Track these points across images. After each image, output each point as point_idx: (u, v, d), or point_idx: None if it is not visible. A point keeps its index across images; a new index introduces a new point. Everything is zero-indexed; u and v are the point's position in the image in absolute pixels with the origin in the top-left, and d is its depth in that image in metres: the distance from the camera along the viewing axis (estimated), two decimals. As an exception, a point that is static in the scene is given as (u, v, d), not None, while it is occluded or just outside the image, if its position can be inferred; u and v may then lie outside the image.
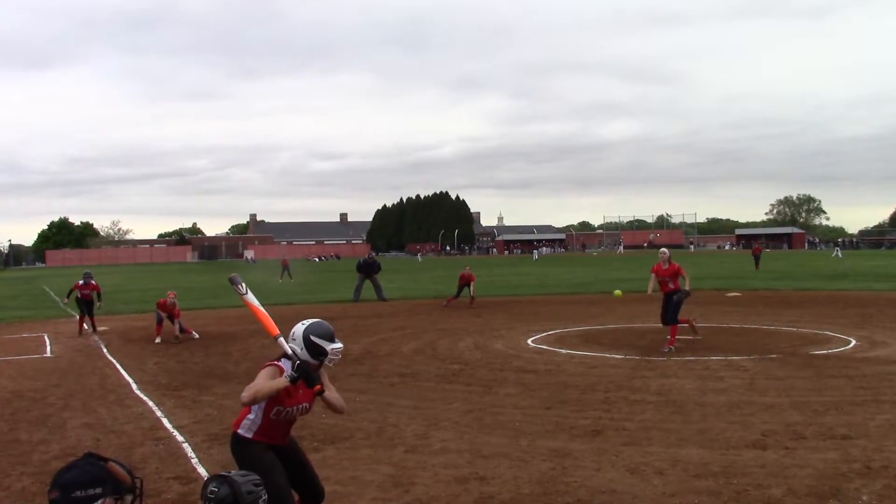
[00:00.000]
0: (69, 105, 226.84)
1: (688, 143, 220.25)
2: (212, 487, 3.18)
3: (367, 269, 27.31)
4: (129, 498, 2.51)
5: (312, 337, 4.67)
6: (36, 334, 17.97)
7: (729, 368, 11.28)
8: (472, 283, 23.88)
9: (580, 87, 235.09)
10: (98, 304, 18.91)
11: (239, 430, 4.60)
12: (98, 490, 2.34)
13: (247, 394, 4.34)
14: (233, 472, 3.30)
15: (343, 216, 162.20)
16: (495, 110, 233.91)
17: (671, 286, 13.32)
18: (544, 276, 41.60)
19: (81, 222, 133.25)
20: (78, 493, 2.31)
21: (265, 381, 4.41)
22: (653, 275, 13.70)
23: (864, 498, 5.71)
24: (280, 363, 4.53)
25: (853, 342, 13.68)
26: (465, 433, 7.91)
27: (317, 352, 4.64)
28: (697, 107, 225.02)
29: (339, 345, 4.76)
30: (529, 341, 14.77)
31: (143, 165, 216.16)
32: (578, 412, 8.71)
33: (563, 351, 13.42)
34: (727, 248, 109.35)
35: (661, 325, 13.82)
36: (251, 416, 4.59)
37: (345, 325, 18.58)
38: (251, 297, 4.87)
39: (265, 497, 3.25)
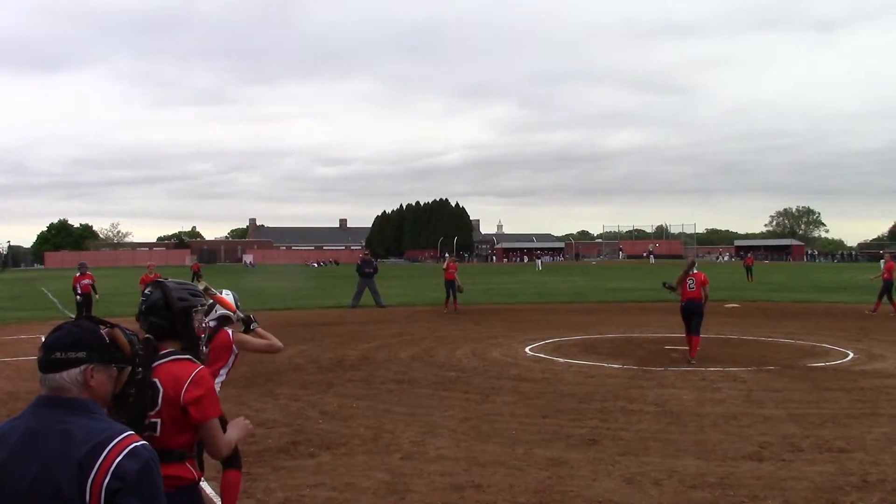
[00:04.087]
0: (77, 107, 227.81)
1: (691, 155, 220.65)
2: (146, 291, 3.34)
3: (363, 268, 27.25)
4: (124, 369, 2.35)
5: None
6: (34, 336, 17.93)
7: (726, 380, 11.27)
8: (455, 278, 24.34)
9: (587, 97, 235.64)
10: (95, 296, 19.37)
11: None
12: (80, 354, 2.18)
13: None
14: (170, 279, 3.44)
15: (342, 222, 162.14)
16: (502, 119, 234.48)
17: (691, 292, 13.06)
18: (543, 285, 41.60)
19: (81, 224, 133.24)
20: (58, 354, 2.17)
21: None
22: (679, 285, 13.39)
23: (861, 511, 5.70)
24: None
25: (851, 355, 13.68)
26: (461, 441, 7.90)
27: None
28: (703, 118, 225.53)
29: None
30: (527, 350, 14.76)
31: (146, 168, 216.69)
32: (575, 421, 8.70)
33: (561, 360, 13.41)
34: (725, 259, 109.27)
35: (660, 334, 13.72)
36: (219, 379, 5.33)
37: (342, 331, 18.57)
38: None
39: (203, 307, 3.38)
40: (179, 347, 3.23)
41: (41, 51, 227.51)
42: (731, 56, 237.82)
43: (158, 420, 3.04)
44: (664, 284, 14.17)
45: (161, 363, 3.10)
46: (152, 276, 19.53)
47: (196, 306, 3.32)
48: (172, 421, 3.05)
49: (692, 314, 13.06)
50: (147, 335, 3.16)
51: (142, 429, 2.95)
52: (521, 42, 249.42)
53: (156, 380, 3.05)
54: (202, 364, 3.23)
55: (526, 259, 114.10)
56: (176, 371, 3.09)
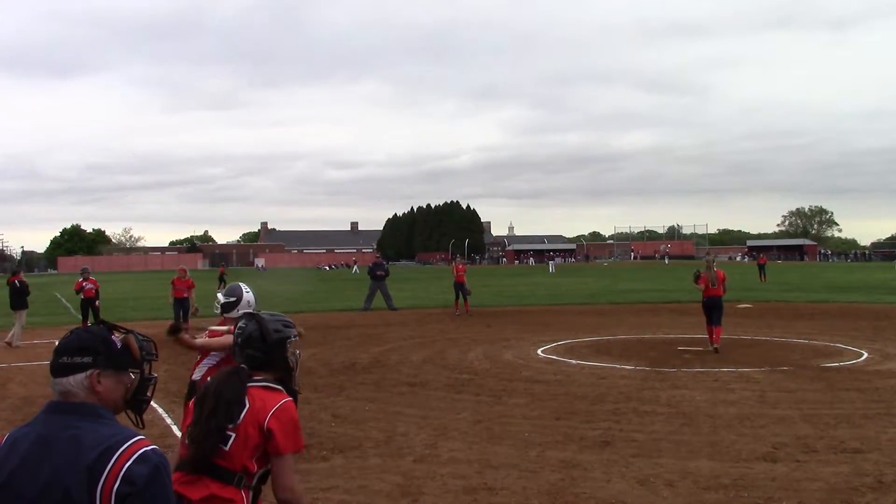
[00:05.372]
0: (90, 113, 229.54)
1: (704, 155, 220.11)
2: (241, 324, 3.31)
3: (375, 271, 27.26)
4: (130, 373, 2.34)
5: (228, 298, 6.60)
6: (47, 341, 18.05)
7: (740, 380, 11.22)
8: (464, 280, 24.33)
9: (599, 98, 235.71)
10: (97, 301, 19.56)
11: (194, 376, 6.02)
12: (86, 359, 2.19)
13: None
14: (262, 311, 3.41)
15: (354, 225, 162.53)
16: (514, 120, 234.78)
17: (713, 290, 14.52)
18: (554, 287, 41.53)
19: (94, 229, 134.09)
20: (65, 358, 2.20)
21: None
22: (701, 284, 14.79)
23: (876, 512, 5.66)
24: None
25: (865, 355, 13.59)
26: (473, 443, 7.89)
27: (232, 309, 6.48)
28: (716, 118, 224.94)
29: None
30: (539, 351, 14.74)
31: (159, 173, 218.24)
32: (588, 423, 8.68)
33: (573, 361, 13.39)
34: (739, 259, 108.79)
35: (672, 335, 13.80)
36: (210, 361, 5.94)
37: (354, 334, 18.60)
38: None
39: (295, 337, 3.33)
40: (273, 378, 3.20)
41: (54, 57, 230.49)
42: (744, 55, 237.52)
43: (233, 435, 2.97)
44: (695, 272, 15.27)
45: (255, 385, 3.08)
46: (184, 280, 19.53)
47: (290, 337, 3.30)
48: (246, 441, 2.97)
49: (713, 308, 14.49)
50: (242, 365, 3.18)
51: (216, 438, 2.93)
52: (532, 43, 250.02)
53: (245, 397, 3.03)
54: (293, 396, 3.19)
55: (533, 261, 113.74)
56: (266, 395, 3.05)
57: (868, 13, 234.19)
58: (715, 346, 14.22)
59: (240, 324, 3.29)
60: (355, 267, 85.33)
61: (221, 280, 41.02)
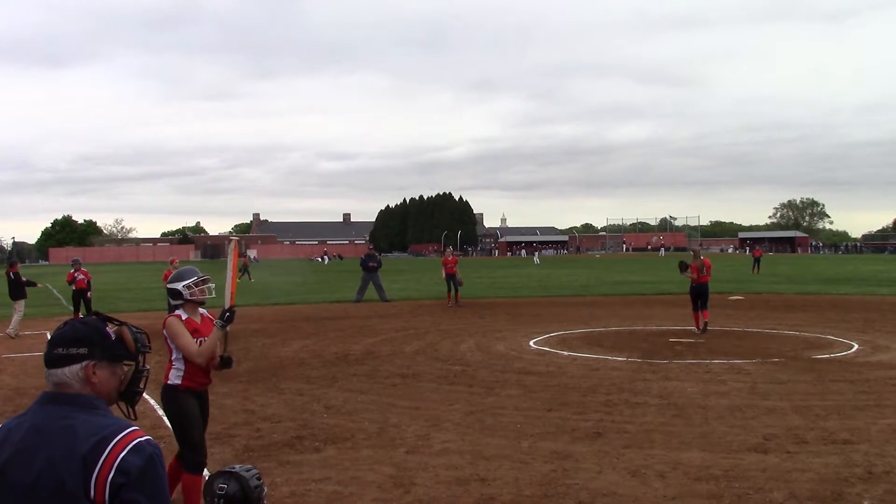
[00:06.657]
0: (84, 103, 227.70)
1: (698, 147, 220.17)
2: (220, 484, 3.26)
3: (366, 262, 27.22)
4: (124, 364, 2.35)
5: (167, 286, 5.64)
6: (38, 332, 18.00)
7: (731, 372, 11.27)
8: (456, 271, 24.36)
9: (595, 90, 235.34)
10: (88, 293, 19.48)
11: (169, 381, 5.48)
12: (82, 350, 2.19)
13: (201, 359, 5.36)
14: (236, 466, 3.39)
15: (346, 216, 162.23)
16: (509, 112, 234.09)
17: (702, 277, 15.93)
18: (547, 278, 41.58)
19: (85, 220, 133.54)
20: (60, 349, 2.19)
21: (210, 340, 5.42)
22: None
23: (866, 503, 5.70)
24: (178, 312, 5.53)
25: (856, 346, 13.66)
26: (466, 434, 7.91)
27: (175, 294, 5.53)
28: (711, 110, 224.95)
29: (189, 279, 5.55)
30: (531, 343, 14.77)
31: (152, 164, 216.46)
32: (580, 414, 8.71)
33: (565, 353, 13.42)
34: (730, 250, 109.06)
35: (664, 327, 13.89)
36: (178, 365, 5.45)
37: (346, 326, 18.59)
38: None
39: (266, 489, 3.35)
40: None
41: (47, 47, 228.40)
42: (739, 48, 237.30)
43: None
44: (680, 263, 16.85)
45: None
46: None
47: (265, 489, 3.35)
48: None
49: (700, 294, 15.78)
50: None
51: None
52: (528, 35, 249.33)
53: None
54: None
55: (524, 253, 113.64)
56: None
57: (863, 6, 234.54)
58: (704, 325, 15.53)
59: (219, 483, 3.29)
60: (326, 258, 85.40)
61: (245, 270, 41.28)
